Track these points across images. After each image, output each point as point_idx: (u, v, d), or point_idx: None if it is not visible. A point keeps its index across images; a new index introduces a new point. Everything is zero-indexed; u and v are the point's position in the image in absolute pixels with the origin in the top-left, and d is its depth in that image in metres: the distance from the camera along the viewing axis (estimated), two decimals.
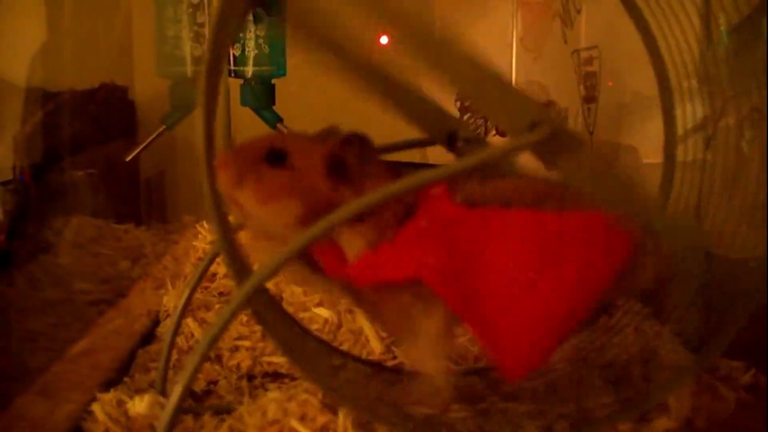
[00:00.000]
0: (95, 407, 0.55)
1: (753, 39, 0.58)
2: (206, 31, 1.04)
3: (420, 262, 0.45)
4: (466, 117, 1.15)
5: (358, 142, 0.47)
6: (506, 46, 1.13)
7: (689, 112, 0.60)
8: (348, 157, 0.47)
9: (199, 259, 0.89)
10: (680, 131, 0.60)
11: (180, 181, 1.41)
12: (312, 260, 0.48)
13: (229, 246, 0.40)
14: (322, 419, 0.50)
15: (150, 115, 1.30)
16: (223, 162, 0.45)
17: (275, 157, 0.46)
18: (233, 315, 0.40)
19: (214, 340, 0.40)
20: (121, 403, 0.56)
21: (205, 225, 0.97)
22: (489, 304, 0.45)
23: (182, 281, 0.83)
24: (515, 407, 0.50)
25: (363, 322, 0.72)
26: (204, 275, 0.58)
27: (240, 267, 0.42)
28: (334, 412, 0.50)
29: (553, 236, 0.45)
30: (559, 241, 0.45)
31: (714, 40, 0.63)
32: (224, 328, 0.40)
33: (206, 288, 0.82)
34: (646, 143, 0.87)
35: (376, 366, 0.59)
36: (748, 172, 0.56)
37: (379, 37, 0.44)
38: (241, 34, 1.04)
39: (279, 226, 0.46)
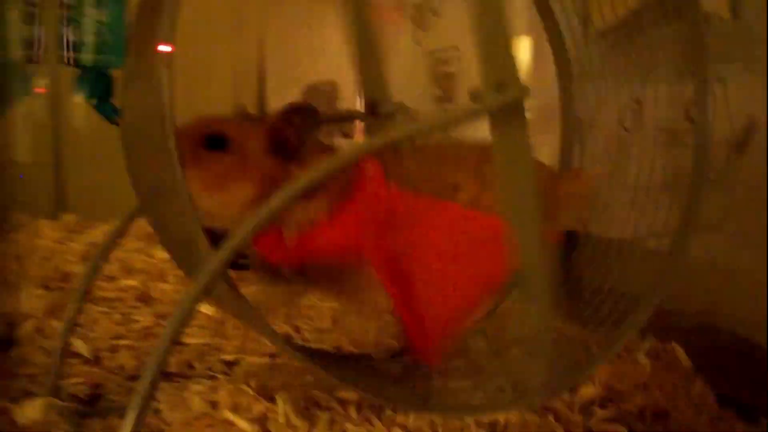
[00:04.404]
0: None
1: (630, 37, 0.63)
2: (39, 11, 0.95)
3: (360, 239, 0.45)
4: None
5: (300, 114, 0.46)
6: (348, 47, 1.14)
7: None
8: (290, 132, 0.45)
9: (45, 258, 0.80)
10: None
11: None
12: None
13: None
14: (258, 408, 0.47)
15: None
16: None
17: (215, 142, 0.43)
18: (196, 299, 0.36)
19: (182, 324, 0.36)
20: (3, 411, 0.49)
21: (45, 223, 0.88)
22: (412, 284, 0.46)
23: (30, 281, 0.74)
24: (452, 384, 0.50)
25: None
26: (97, 273, 0.52)
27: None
28: (272, 400, 0.47)
29: (471, 232, 0.48)
30: (474, 236, 0.48)
31: (590, 38, 0.69)
32: (191, 310, 0.36)
33: (62, 288, 0.74)
34: None
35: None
36: (628, 156, 0.60)
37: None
38: (78, 18, 0.95)
39: (231, 213, 0.43)
